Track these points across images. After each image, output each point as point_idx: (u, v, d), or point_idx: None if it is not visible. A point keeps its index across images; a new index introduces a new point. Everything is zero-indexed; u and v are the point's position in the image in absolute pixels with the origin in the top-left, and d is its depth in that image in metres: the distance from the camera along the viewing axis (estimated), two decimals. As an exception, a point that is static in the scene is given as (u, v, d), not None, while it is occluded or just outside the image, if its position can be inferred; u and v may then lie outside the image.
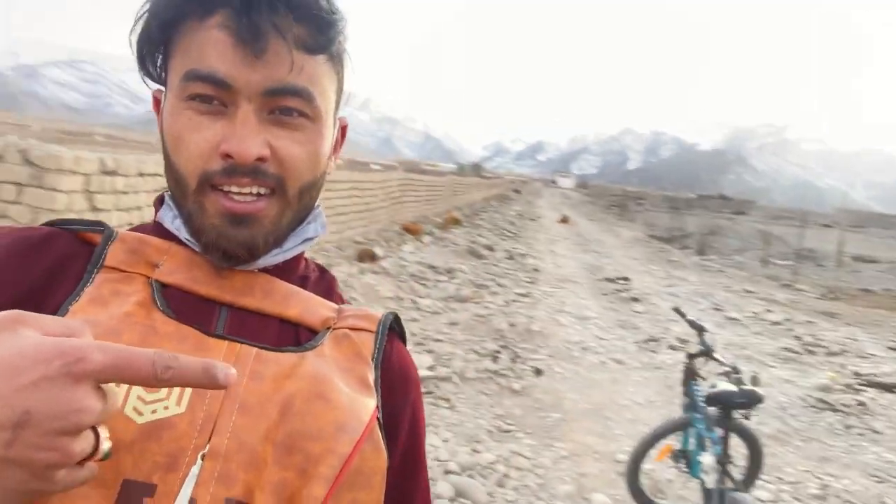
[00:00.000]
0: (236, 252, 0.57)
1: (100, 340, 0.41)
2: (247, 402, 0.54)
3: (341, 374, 0.58)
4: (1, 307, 0.43)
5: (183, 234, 0.60)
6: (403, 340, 0.69)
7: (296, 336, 0.61)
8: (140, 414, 0.50)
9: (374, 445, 0.56)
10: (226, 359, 0.55)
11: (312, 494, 0.51)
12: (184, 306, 0.58)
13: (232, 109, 0.55)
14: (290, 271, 0.65)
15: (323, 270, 0.72)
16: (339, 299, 0.69)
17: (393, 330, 0.66)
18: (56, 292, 0.56)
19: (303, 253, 0.67)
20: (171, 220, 0.61)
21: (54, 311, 0.54)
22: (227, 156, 0.54)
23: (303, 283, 0.67)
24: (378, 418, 0.58)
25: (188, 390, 0.52)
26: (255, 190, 0.56)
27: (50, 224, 0.61)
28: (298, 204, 0.60)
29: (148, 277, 0.59)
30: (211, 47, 0.53)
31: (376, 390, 0.60)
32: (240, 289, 0.61)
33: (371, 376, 0.60)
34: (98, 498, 0.47)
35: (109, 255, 0.59)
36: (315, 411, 0.54)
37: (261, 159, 0.55)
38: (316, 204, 0.65)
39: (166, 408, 0.51)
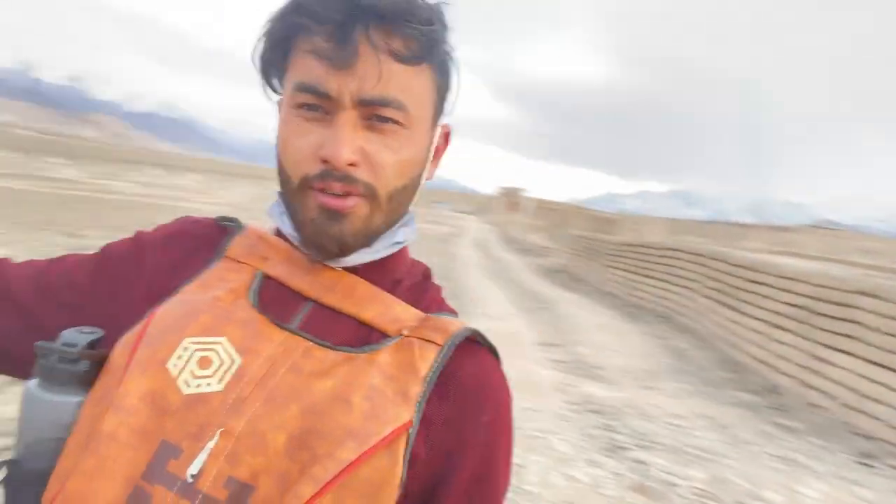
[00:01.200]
0: (328, 245, 0.62)
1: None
2: (275, 391, 0.57)
3: (384, 382, 0.59)
4: (145, 276, 0.70)
5: (287, 228, 0.67)
6: (495, 358, 0.66)
7: (367, 338, 0.63)
8: (188, 386, 0.57)
9: (392, 458, 0.55)
10: (275, 349, 0.60)
11: (299, 493, 0.53)
12: (274, 297, 0.65)
13: (332, 117, 0.59)
14: (382, 273, 0.68)
15: (427, 277, 0.73)
16: (435, 307, 0.68)
17: (477, 346, 0.65)
18: (184, 272, 0.68)
19: (399, 256, 0.69)
20: (279, 215, 0.67)
21: (175, 288, 0.66)
22: (324, 160, 0.59)
23: (394, 286, 0.68)
24: (409, 433, 0.57)
25: (231, 371, 0.58)
26: (348, 200, 0.61)
27: (214, 219, 0.75)
28: (388, 207, 0.63)
29: (255, 269, 0.67)
30: (314, 61, 0.58)
31: (419, 405, 0.58)
32: (326, 286, 0.65)
33: (416, 390, 0.59)
34: (141, 450, 0.55)
35: (230, 248, 0.70)
36: (332, 412, 0.56)
37: (353, 164, 0.59)
38: (409, 209, 0.68)
39: (209, 384, 0.58)
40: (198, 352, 0.60)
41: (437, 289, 0.73)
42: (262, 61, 0.64)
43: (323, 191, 0.61)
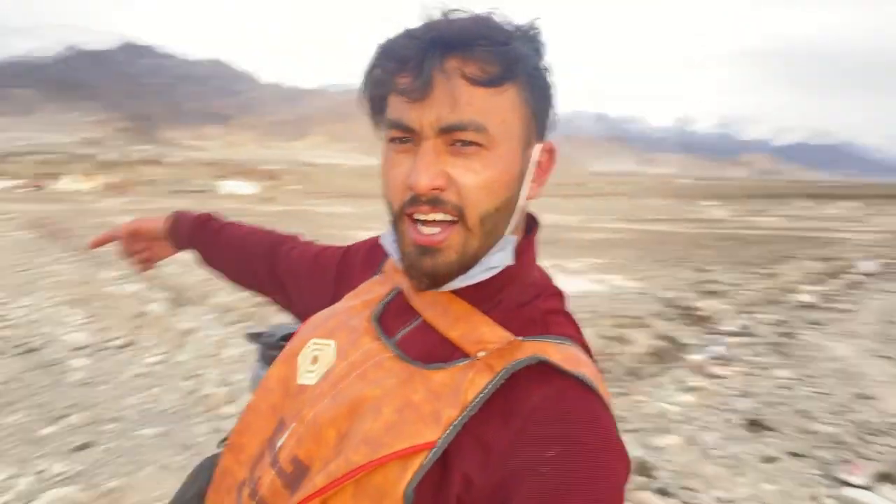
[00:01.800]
0: (421, 279, 0.66)
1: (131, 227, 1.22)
2: (340, 392, 0.66)
3: (425, 400, 0.61)
4: (333, 273, 0.96)
5: (395, 256, 0.70)
6: (583, 390, 0.60)
7: (450, 355, 0.65)
8: (301, 377, 0.72)
9: (402, 473, 0.58)
10: (359, 356, 0.69)
11: (313, 481, 0.62)
12: (396, 310, 0.74)
13: (418, 147, 0.63)
14: (480, 293, 0.68)
15: (538, 296, 0.70)
16: (536, 329, 0.65)
17: (556, 375, 0.61)
18: (357, 279, 0.85)
19: (503, 277, 0.67)
20: (391, 243, 0.71)
21: (346, 291, 0.83)
22: (410, 187, 0.63)
23: (492, 306, 0.68)
24: (429, 453, 0.58)
25: (326, 368, 0.70)
26: (437, 217, 0.64)
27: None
28: (481, 231, 0.64)
29: (395, 284, 0.77)
30: (398, 98, 0.63)
31: (453, 428, 0.59)
32: (428, 303, 0.70)
33: (451, 413, 0.59)
34: (271, 420, 0.72)
35: (386, 263, 0.82)
36: (363, 419, 0.62)
37: (437, 188, 0.62)
38: (509, 232, 0.67)
39: (310, 378, 0.71)
40: (315, 350, 0.74)
41: (551, 310, 0.69)
42: (367, 103, 0.68)
43: (414, 218, 0.65)
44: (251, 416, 0.75)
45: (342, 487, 0.60)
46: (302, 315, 0.93)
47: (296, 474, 0.65)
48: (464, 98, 0.61)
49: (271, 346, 0.91)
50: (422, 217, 0.64)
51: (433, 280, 0.66)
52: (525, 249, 0.71)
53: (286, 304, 1.08)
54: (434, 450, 0.59)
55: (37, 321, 7.45)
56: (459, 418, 0.59)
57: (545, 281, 0.74)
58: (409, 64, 0.62)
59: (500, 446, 0.58)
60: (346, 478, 0.59)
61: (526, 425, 0.58)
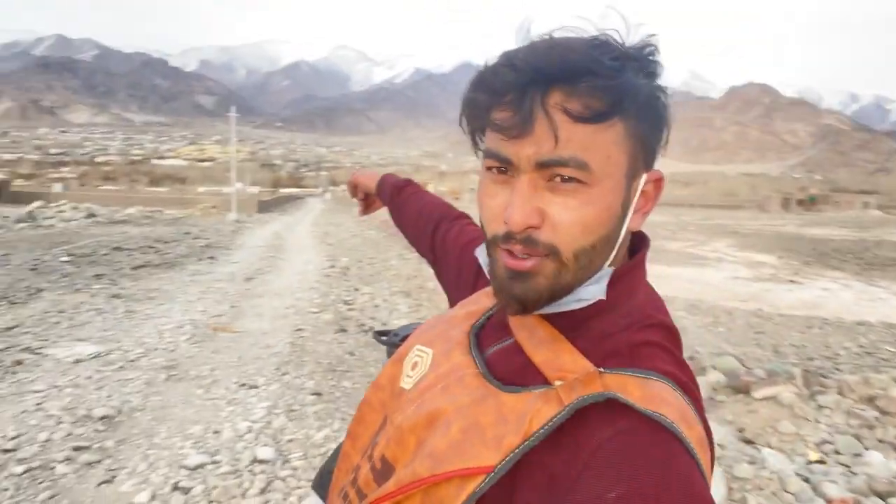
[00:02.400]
0: (510, 304, 0.65)
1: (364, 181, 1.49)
2: (424, 402, 0.69)
3: (492, 424, 0.61)
4: (475, 268, 0.97)
5: (489, 276, 0.69)
6: (657, 431, 0.56)
7: (532, 379, 0.64)
8: (403, 379, 0.76)
9: (459, 492, 0.59)
10: (447, 369, 0.71)
11: (387, 483, 0.65)
12: (495, 324, 0.75)
13: (515, 179, 0.62)
14: (573, 321, 0.66)
15: (631, 327, 0.66)
16: (619, 362, 0.62)
17: (628, 413, 0.57)
18: (483, 283, 0.89)
19: (596, 307, 0.65)
20: (486, 264, 0.70)
21: (468, 294, 0.89)
22: (506, 222, 0.62)
23: (580, 334, 0.66)
24: (486, 477, 0.58)
25: (419, 374, 0.74)
26: (527, 262, 0.62)
27: None
28: (575, 265, 0.63)
29: None
30: (497, 129, 0.61)
31: (510, 457, 0.58)
32: (519, 324, 0.69)
33: (513, 441, 0.59)
34: (379, 415, 0.76)
35: None
36: (434, 432, 0.64)
37: (532, 227, 0.61)
38: (607, 265, 0.65)
39: (408, 383, 0.75)
40: (416, 356, 0.78)
41: (643, 342, 0.64)
42: (468, 129, 0.67)
43: (508, 251, 0.63)
44: (365, 408, 0.80)
45: (412, 494, 0.62)
46: (448, 292, 1.07)
47: (382, 471, 0.69)
48: (565, 134, 0.59)
49: (396, 346, 0.97)
50: (513, 251, 0.63)
51: (522, 305, 0.64)
52: (622, 276, 0.67)
53: (439, 277, 1.16)
54: (491, 475, 0.59)
55: (377, 306, 8.67)
56: (520, 447, 0.58)
57: (646, 311, 0.68)
58: (507, 97, 0.60)
59: (564, 480, 0.56)
60: (410, 486, 0.62)
61: (590, 461, 0.56)
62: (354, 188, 1.52)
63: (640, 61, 0.62)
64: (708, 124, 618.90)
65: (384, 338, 1.09)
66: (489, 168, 0.64)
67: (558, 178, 0.60)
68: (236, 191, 38.97)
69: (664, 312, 0.70)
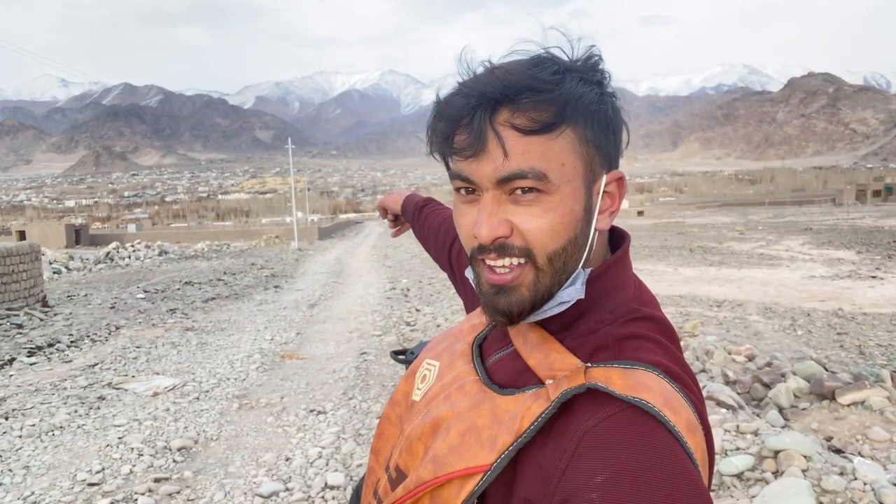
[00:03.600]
0: (496, 317, 0.69)
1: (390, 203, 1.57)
2: (430, 411, 0.73)
3: (487, 425, 0.65)
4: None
5: (476, 291, 0.73)
6: (639, 417, 0.59)
7: (527, 381, 0.68)
8: (414, 392, 0.82)
9: (460, 491, 0.63)
10: (450, 378, 0.76)
11: (395, 492, 0.70)
12: (497, 335, 0.78)
13: (480, 197, 0.66)
14: (560, 323, 0.70)
15: (627, 323, 0.68)
16: (605, 356, 0.66)
17: (610, 402, 0.60)
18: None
19: (580, 304, 0.69)
20: (473, 279, 0.72)
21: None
22: (476, 237, 0.67)
23: (565, 332, 0.70)
24: (483, 475, 0.62)
25: (427, 385, 0.80)
26: (506, 262, 0.66)
27: None
28: (551, 269, 0.66)
29: None
30: (456, 152, 0.66)
31: (507, 454, 0.62)
32: (515, 331, 0.73)
33: (505, 440, 0.62)
34: (396, 428, 0.81)
35: None
36: (436, 438, 0.69)
37: (501, 237, 0.65)
38: (580, 266, 0.68)
39: (418, 395, 0.80)
40: (425, 370, 0.83)
41: (629, 335, 0.67)
42: (438, 157, 0.71)
43: (486, 263, 0.67)
44: (385, 423, 0.85)
45: (419, 497, 0.67)
46: (466, 306, 1.11)
47: (397, 480, 0.73)
48: (518, 148, 0.62)
49: (407, 361, 1.03)
50: (491, 263, 0.67)
51: (508, 318, 0.68)
52: (601, 275, 0.70)
53: (458, 291, 1.21)
54: (488, 473, 0.62)
55: (439, 326, 8.68)
56: (513, 445, 0.62)
57: (631, 306, 0.70)
58: (461, 122, 0.65)
59: (555, 471, 0.59)
60: (417, 490, 0.67)
61: (576, 450, 0.58)
62: (384, 211, 1.62)
63: (582, 72, 0.66)
64: (769, 119, 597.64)
65: (401, 356, 1.18)
66: (458, 189, 0.69)
67: (519, 191, 0.64)
68: (297, 220, 40.02)
69: (653, 306, 0.73)
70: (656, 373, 0.63)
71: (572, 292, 0.67)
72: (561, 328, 0.70)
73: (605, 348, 0.66)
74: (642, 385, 0.61)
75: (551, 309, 0.68)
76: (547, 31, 0.69)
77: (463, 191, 0.69)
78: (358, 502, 0.91)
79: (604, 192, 0.69)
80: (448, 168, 0.72)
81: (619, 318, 0.69)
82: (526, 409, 0.63)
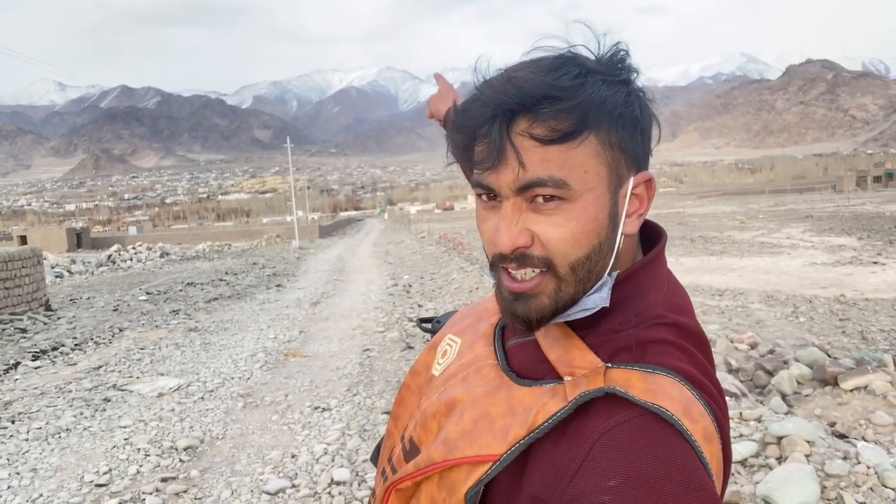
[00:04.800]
0: (515, 324, 0.68)
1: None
2: (447, 390, 0.75)
3: (502, 414, 0.65)
4: None
5: (496, 294, 0.72)
6: (656, 423, 0.58)
7: (545, 374, 0.67)
8: (434, 365, 0.84)
9: (468, 476, 0.64)
10: (469, 359, 0.77)
11: (406, 467, 0.72)
12: None
13: (501, 205, 0.65)
14: (583, 321, 0.68)
15: (653, 328, 0.66)
16: (626, 357, 0.64)
17: (627, 406, 0.59)
18: None
19: (606, 308, 0.66)
20: (494, 284, 0.72)
21: None
22: (496, 246, 0.66)
23: (590, 332, 0.68)
24: (492, 465, 0.63)
25: (447, 362, 0.81)
26: (527, 272, 0.65)
27: None
28: (574, 278, 0.65)
29: None
30: (476, 163, 0.66)
31: (515, 447, 0.62)
32: None
33: (517, 433, 0.62)
34: (417, 398, 0.83)
35: None
36: (453, 419, 0.69)
37: (521, 247, 0.64)
38: (607, 272, 0.67)
39: (437, 370, 0.82)
40: (447, 345, 0.85)
41: (653, 339, 0.65)
42: (458, 162, 0.75)
43: (507, 271, 0.66)
44: (405, 391, 0.88)
45: (430, 475, 0.68)
46: None
47: (410, 451, 0.75)
48: (536, 157, 0.61)
49: (432, 331, 1.04)
50: (512, 272, 0.66)
51: (528, 325, 0.67)
52: (628, 277, 0.68)
53: None
54: (497, 463, 0.63)
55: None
56: (525, 439, 0.62)
57: (657, 311, 0.68)
58: (479, 132, 0.64)
59: (567, 470, 0.59)
60: (427, 469, 0.68)
61: (591, 452, 0.58)
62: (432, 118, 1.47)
63: (606, 72, 0.64)
64: (768, 107, 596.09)
65: (427, 325, 1.20)
66: (479, 195, 0.68)
67: (540, 199, 0.63)
68: (297, 219, 40.03)
69: (684, 312, 0.70)
70: (678, 379, 0.62)
71: (597, 299, 0.66)
72: (583, 325, 0.68)
73: (627, 350, 0.65)
74: (662, 391, 0.60)
75: (574, 314, 0.67)
76: (570, 26, 0.68)
77: (484, 196, 0.67)
78: (378, 457, 0.93)
79: (632, 194, 0.67)
80: (467, 174, 0.74)
81: (644, 322, 0.67)
82: (542, 404, 0.63)
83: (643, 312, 0.68)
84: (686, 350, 0.66)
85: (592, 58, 0.65)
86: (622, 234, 0.67)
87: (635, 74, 0.67)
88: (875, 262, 13.85)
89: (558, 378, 0.65)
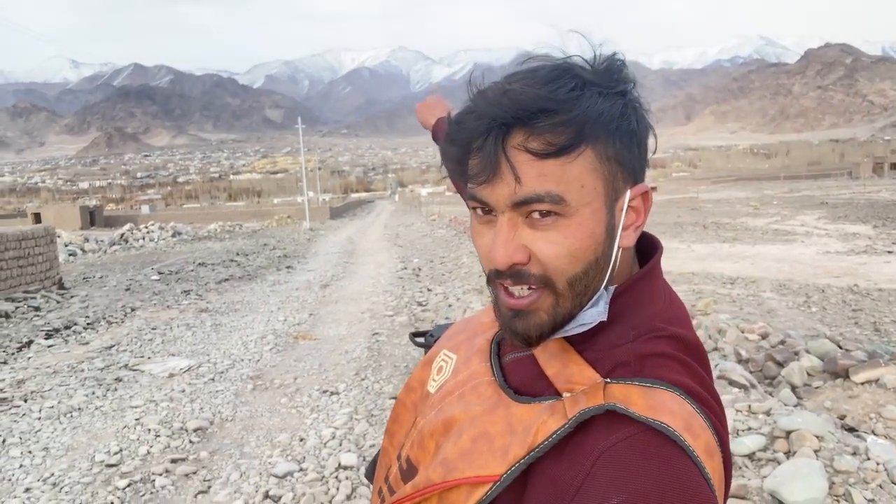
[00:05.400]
0: (514, 340, 0.67)
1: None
2: (443, 408, 0.74)
3: (501, 433, 0.64)
4: None
5: (493, 309, 0.72)
6: (659, 440, 0.57)
7: (543, 390, 0.67)
8: (429, 382, 0.82)
9: (468, 497, 0.63)
10: (465, 376, 0.76)
11: (404, 488, 0.71)
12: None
13: (496, 219, 0.64)
14: (580, 336, 0.68)
15: (651, 341, 0.66)
16: (624, 372, 0.63)
17: (627, 423, 0.58)
18: None
19: (604, 322, 0.66)
20: (492, 300, 0.71)
21: None
22: (491, 262, 0.65)
23: (587, 347, 0.67)
24: (493, 485, 0.62)
25: (442, 379, 0.80)
26: (522, 290, 0.64)
27: None
28: (571, 293, 0.64)
29: None
30: (470, 177, 0.65)
31: (517, 466, 0.61)
32: None
33: (517, 453, 0.62)
34: (412, 414, 0.83)
35: None
36: (451, 439, 0.69)
37: (517, 263, 0.63)
38: (602, 286, 0.66)
39: (433, 386, 0.81)
40: (442, 361, 0.83)
41: (651, 353, 0.65)
42: (450, 176, 0.75)
43: (504, 287, 0.66)
44: (399, 407, 0.87)
45: (428, 497, 0.67)
46: None
47: (407, 472, 0.74)
48: (532, 172, 0.60)
49: (427, 346, 1.01)
50: (510, 288, 0.65)
51: (527, 341, 0.66)
52: (625, 291, 0.68)
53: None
54: (497, 483, 0.62)
55: (451, 306, 8.69)
56: (525, 458, 0.61)
57: (655, 324, 0.67)
58: (474, 146, 0.63)
59: (568, 488, 0.58)
60: (425, 491, 0.67)
61: (592, 470, 0.57)
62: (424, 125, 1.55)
63: (602, 84, 0.63)
64: (785, 91, 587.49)
65: (420, 339, 1.15)
66: (474, 209, 0.67)
67: (536, 214, 0.62)
68: (308, 200, 40.08)
69: (681, 324, 0.69)
70: (678, 393, 0.62)
71: (594, 314, 0.66)
72: (581, 340, 0.68)
73: (625, 365, 0.64)
74: (663, 407, 0.59)
75: (572, 329, 0.66)
76: (566, 35, 0.67)
77: (479, 210, 0.66)
78: (373, 473, 0.92)
79: (628, 207, 0.66)
80: (462, 186, 0.73)
81: (642, 335, 0.66)
82: (542, 422, 0.62)
83: (641, 325, 0.67)
84: (685, 363, 0.66)
85: (588, 68, 0.64)
86: (619, 247, 0.66)
87: (632, 85, 0.66)
88: (890, 252, 13.69)
89: (557, 394, 0.65)
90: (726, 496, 0.65)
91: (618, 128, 0.63)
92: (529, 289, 0.64)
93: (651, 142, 0.69)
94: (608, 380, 0.62)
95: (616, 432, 0.58)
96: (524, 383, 0.70)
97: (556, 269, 0.63)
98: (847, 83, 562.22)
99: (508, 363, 0.74)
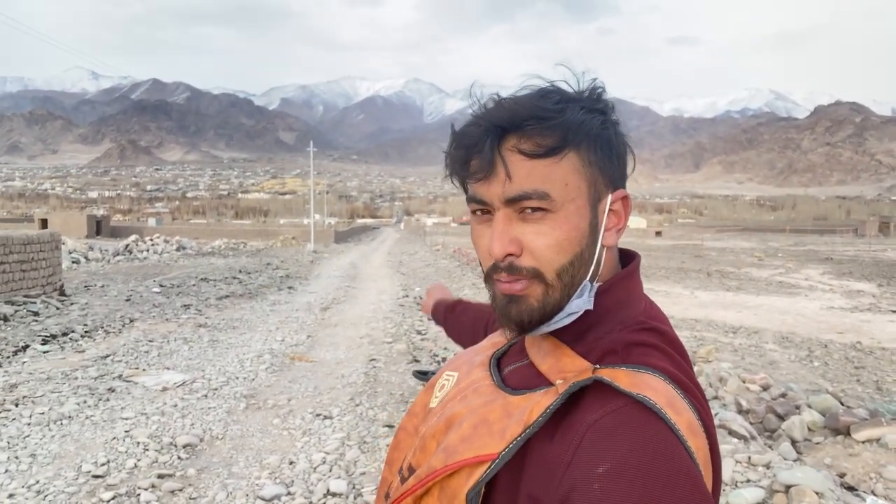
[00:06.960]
0: (510, 326, 0.74)
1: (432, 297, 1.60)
2: (445, 412, 0.78)
3: (499, 419, 0.69)
4: None
5: (492, 306, 0.78)
6: (641, 409, 0.62)
7: (537, 385, 0.72)
8: (431, 401, 0.86)
9: (468, 478, 0.67)
10: (467, 384, 0.81)
11: (406, 482, 0.74)
12: (514, 350, 0.84)
13: (493, 218, 0.72)
14: (571, 333, 0.74)
15: (635, 332, 0.73)
16: (614, 359, 0.69)
17: (613, 394, 0.64)
18: None
19: (589, 317, 0.73)
20: (490, 297, 0.78)
21: None
22: (490, 255, 0.72)
23: (578, 338, 0.74)
24: (491, 464, 0.66)
25: (444, 393, 0.85)
26: (516, 284, 0.71)
27: None
28: (560, 283, 0.71)
29: None
30: (471, 175, 0.73)
31: (514, 444, 0.66)
32: (530, 343, 0.79)
33: (514, 431, 0.66)
34: (414, 437, 0.83)
35: None
36: (453, 431, 0.73)
37: (512, 254, 0.71)
38: (587, 279, 0.73)
39: (435, 402, 0.85)
40: (444, 379, 0.88)
41: (637, 342, 0.71)
42: (457, 182, 0.79)
43: (499, 280, 0.73)
44: (402, 434, 0.89)
45: (430, 488, 0.70)
46: None
47: (409, 477, 0.76)
48: (523, 171, 0.69)
49: (425, 379, 1.05)
50: (505, 281, 0.72)
51: (520, 327, 0.73)
52: (610, 288, 0.75)
53: None
54: (496, 461, 0.66)
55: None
56: (522, 435, 0.66)
57: (639, 318, 0.75)
58: (474, 149, 0.72)
59: (560, 464, 0.62)
60: (427, 479, 0.70)
61: (581, 441, 0.62)
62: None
63: (584, 102, 0.73)
64: (794, 146, 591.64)
65: (424, 377, 1.24)
66: (474, 212, 0.76)
67: (528, 210, 0.70)
68: (314, 222, 40.22)
69: (662, 321, 0.76)
70: (661, 377, 0.67)
71: (580, 303, 0.72)
72: (573, 339, 0.74)
73: (613, 353, 0.71)
74: (647, 385, 0.65)
75: (561, 320, 0.72)
76: (555, 67, 0.77)
77: (479, 212, 0.75)
78: None
79: (610, 209, 0.75)
80: (465, 191, 0.79)
81: (628, 327, 0.73)
82: (535, 402, 0.68)
83: (626, 320, 0.74)
84: (667, 353, 0.72)
85: (573, 90, 0.75)
86: (602, 245, 0.74)
87: (611, 106, 0.76)
88: (894, 311, 13.60)
89: (550, 384, 0.71)
90: (718, 482, 0.68)
91: (598, 136, 0.72)
92: (520, 281, 0.71)
93: (629, 159, 0.78)
94: (597, 366, 0.69)
95: (605, 405, 0.63)
96: (521, 383, 0.76)
97: (546, 258, 0.70)
98: (856, 141, 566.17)
99: (508, 373, 0.80)
